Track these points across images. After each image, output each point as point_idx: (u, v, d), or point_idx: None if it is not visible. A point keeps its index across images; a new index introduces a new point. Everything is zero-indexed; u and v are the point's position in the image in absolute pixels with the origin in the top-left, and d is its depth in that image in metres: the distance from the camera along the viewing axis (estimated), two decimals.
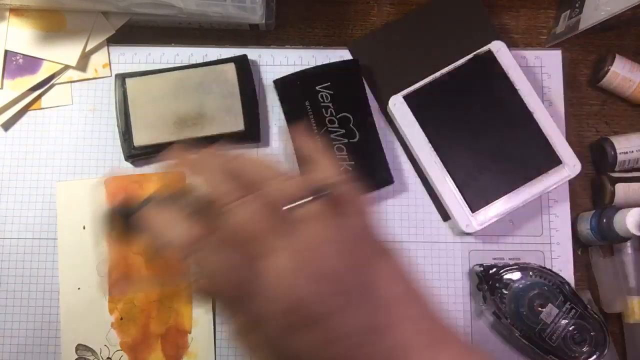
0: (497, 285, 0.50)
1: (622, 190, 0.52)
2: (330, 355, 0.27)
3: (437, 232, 0.54)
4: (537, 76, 0.56)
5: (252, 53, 0.56)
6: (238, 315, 0.28)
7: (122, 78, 0.54)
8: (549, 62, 0.56)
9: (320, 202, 0.28)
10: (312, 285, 0.26)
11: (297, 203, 0.28)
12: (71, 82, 0.55)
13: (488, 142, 0.52)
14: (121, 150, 0.53)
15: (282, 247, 0.27)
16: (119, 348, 0.51)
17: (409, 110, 0.53)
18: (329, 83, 0.54)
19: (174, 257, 0.28)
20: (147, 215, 0.29)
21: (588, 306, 0.49)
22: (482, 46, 0.53)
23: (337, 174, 0.30)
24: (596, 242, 0.52)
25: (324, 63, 0.55)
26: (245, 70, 0.54)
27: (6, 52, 0.54)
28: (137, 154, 0.53)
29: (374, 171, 0.52)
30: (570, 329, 0.49)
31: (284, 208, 0.28)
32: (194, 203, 0.29)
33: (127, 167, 0.54)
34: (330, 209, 0.28)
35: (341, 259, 0.27)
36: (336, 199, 0.29)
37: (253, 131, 0.54)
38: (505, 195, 0.51)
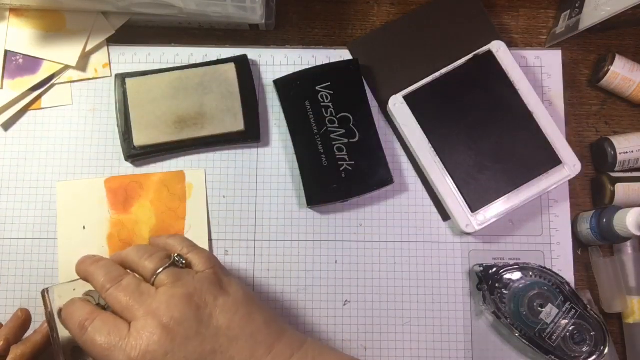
0: (497, 285, 0.50)
1: (622, 190, 0.52)
2: None
3: (437, 232, 0.54)
4: (537, 76, 0.56)
5: (252, 53, 0.56)
6: None
7: (122, 78, 0.54)
8: (549, 62, 0.56)
9: (168, 270, 0.39)
10: (162, 330, 0.36)
11: (157, 272, 0.39)
12: (71, 82, 0.55)
13: (488, 142, 0.52)
14: (121, 150, 0.53)
15: (143, 309, 0.37)
16: None
17: (409, 110, 0.53)
18: (329, 83, 0.54)
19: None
20: (66, 306, 0.40)
21: (588, 306, 0.49)
22: (482, 46, 0.53)
23: (183, 247, 0.43)
24: (596, 242, 0.52)
25: (324, 63, 0.56)
26: (245, 70, 0.54)
27: (6, 52, 0.54)
28: (137, 154, 0.53)
29: (374, 171, 0.52)
30: (570, 329, 0.49)
31: (150, 281, 0.39)
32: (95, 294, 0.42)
33: (127, 167, 0.54)
34: (177, 273, 0.39)
35: (185, 305, 0.37)
36: (185, 262, 0.41)
37: (253, 131, 0.54)
38: (505, 195, 0.51)
